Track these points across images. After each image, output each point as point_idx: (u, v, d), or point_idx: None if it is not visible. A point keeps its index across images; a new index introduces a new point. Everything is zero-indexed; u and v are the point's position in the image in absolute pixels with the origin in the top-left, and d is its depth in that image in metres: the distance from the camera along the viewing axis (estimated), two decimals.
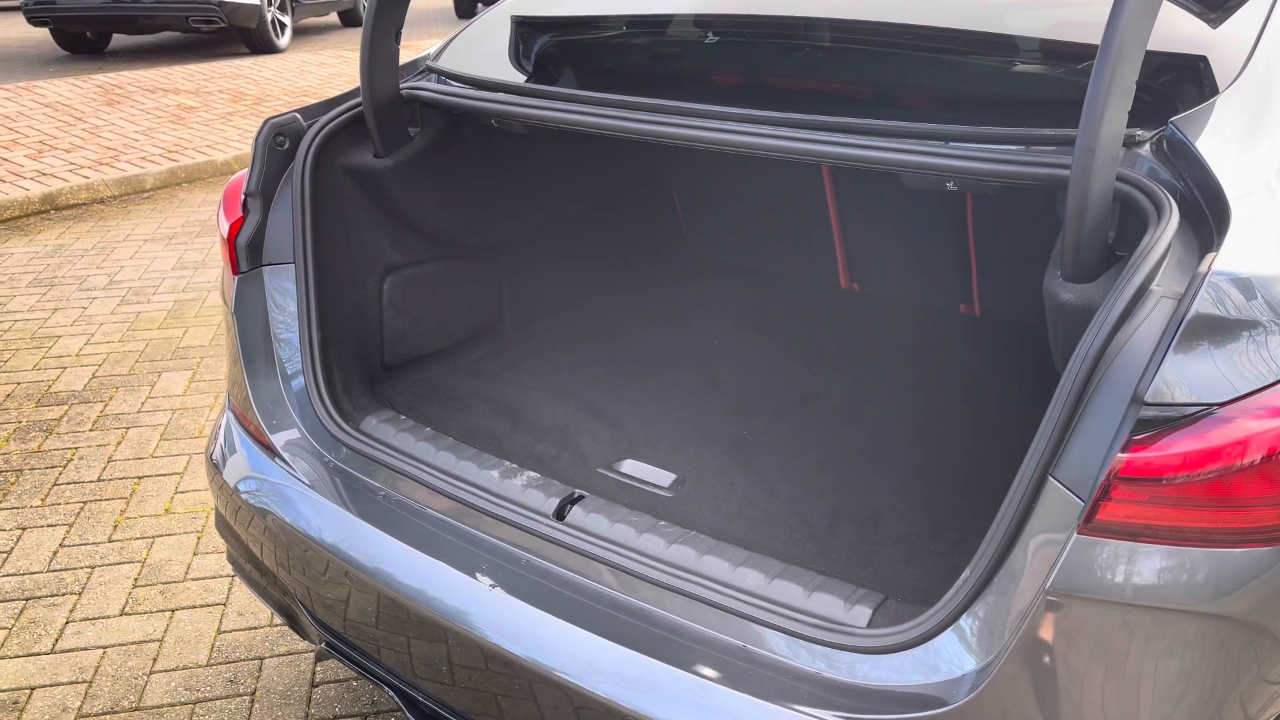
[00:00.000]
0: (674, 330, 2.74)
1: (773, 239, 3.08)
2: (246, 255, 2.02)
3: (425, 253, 2.34)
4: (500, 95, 2.04)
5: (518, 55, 2.42)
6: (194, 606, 2.72)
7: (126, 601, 2.75)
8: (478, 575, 1.61)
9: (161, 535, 3.02)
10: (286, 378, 1.98)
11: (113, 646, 2.59)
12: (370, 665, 1.84)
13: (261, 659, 2.54)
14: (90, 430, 3.64)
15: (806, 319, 2.85)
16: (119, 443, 3.55)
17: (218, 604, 2.73)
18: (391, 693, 1.83)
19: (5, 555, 2.95)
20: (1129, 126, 1.32)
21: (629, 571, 1.57)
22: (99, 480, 3.32)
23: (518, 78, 2.35)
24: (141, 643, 2.60)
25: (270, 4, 11.63)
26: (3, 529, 3.07)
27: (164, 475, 3.34)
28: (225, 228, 2.04)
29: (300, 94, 9.15)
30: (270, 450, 1.93)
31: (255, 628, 2.64)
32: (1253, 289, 1.24)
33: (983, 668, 1.29)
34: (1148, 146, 1.43)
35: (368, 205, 2.17)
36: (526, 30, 2.46)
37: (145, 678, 2.49)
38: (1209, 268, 1.22)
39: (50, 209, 6.34)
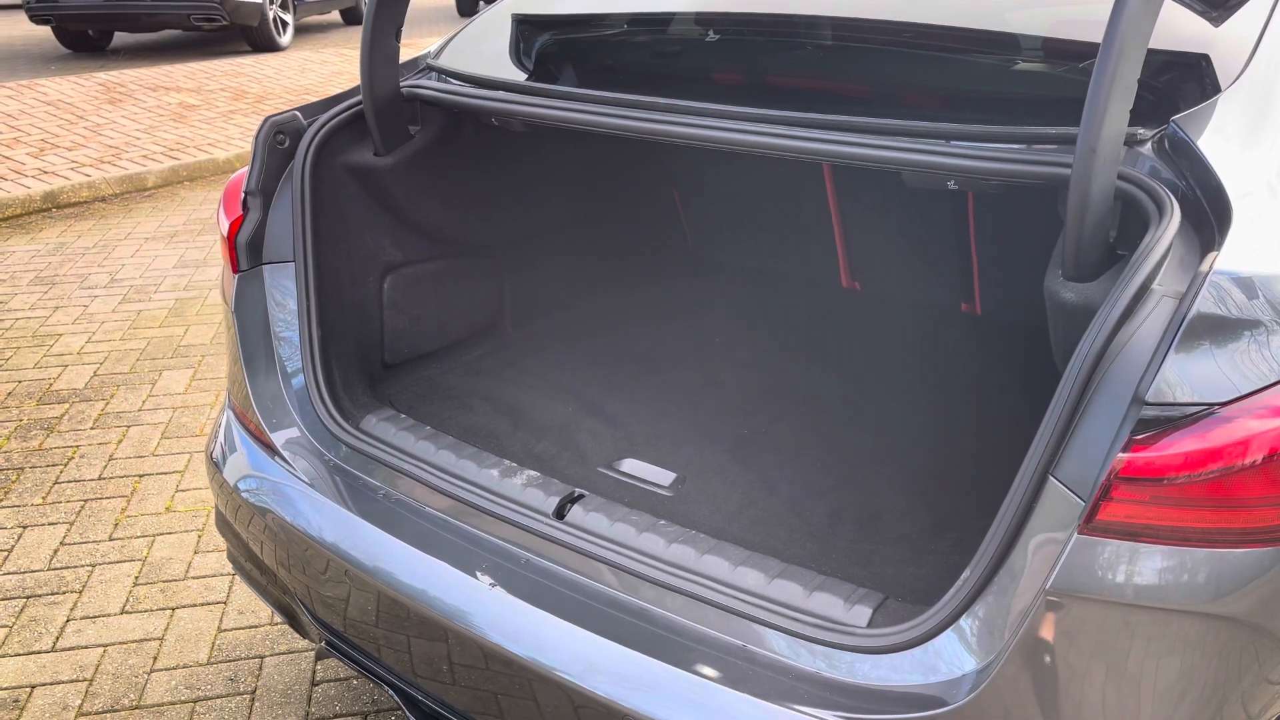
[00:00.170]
0: (674, 329, 2.74)
1: (774, 238, 3.07)
2: (246, 253, 2.01)
3: (425, 251, 2.34)
4: (501, 94, 2.03)
5: (518, 53, 2.42)
6: (194, 605, 2.72)
7: (127, 600, 2.75)
8: (478, 574, 1.61)
9: (162, 533, 3.03)
10: (286, 376, 1.98)
11: (113, 645, 2.59)
12: (370, 664, 1.84)
13: (262, 657, 2.54)
14: (91, 428, 3.64)
15: (807, 318, 2.84)
16: (120, 441, 3.55)
17: (218, 602, 2.73)
18: (391, 691, 1.83)
19: (6, 553, 2.95)
20: (1130, 125, 1.31)
21: (629, 571, 1.57)
22: (100, 478, 3.32)
23: (518, 76, 2.35)
24: (142, 641, 2.60)
25: (272, 2, 11.62)
26: (4, 527, 3.07)
27: (165, 474, 3.35)
28: (225, 226, 2.04)
29: (302, 92, 9.15)
30: (270, 449, 1.93)
31: (255, 626, 2.64)
32: (1254, 288, 1.24)
33: (983, 668, 1.28)
34: (1149, 145, 1.43)
35: (368, 203, 2.17)
36: (527, 28, 2.46)
37: (146, 676, 2.49)
38: (1210, 267, 1.22)
39: (52, 207, 6.35)
